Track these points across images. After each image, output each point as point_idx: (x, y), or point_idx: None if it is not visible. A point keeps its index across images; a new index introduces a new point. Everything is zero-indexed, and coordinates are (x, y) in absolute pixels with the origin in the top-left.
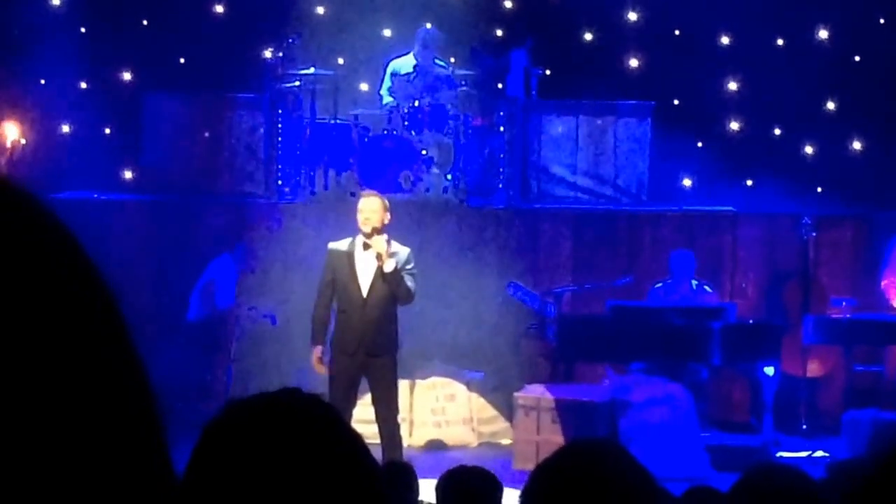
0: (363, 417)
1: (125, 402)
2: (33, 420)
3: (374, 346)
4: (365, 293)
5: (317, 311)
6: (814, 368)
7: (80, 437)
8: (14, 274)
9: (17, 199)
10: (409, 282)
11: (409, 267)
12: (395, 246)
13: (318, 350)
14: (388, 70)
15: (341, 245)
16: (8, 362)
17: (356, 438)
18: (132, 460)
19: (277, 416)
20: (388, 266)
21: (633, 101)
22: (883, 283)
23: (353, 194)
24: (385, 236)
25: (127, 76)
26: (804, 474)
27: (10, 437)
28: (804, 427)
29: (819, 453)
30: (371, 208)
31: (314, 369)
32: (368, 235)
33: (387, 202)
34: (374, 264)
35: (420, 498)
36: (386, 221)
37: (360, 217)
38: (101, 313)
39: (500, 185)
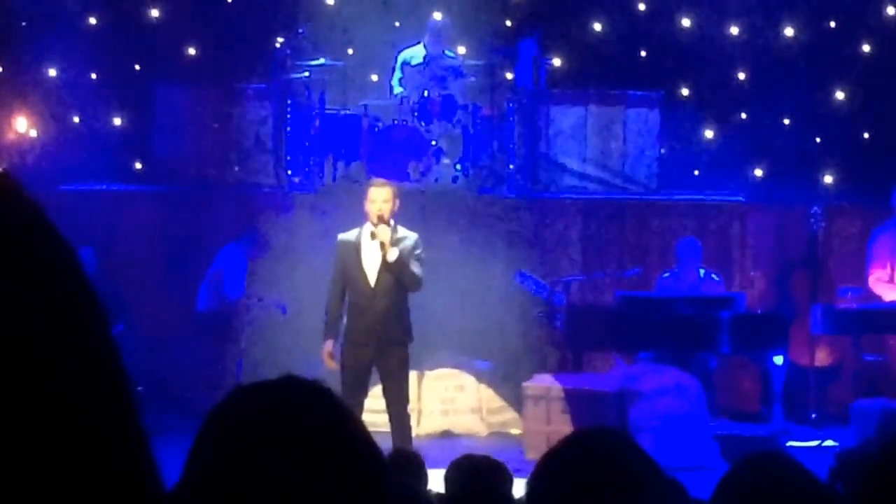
0: (373, 407)
1: (91, 392)
2: None
3: (386, 336)
4: (373, 283)
5: (330, 304)
6: (823, 358)
7: (40, 431)
8: None
9: None
10: (416, 268)
11: (416, 252)
12: (403, 231)
13: (328, 345)
14: (399, 60)
15: (349, 236)
16: None
17: (357, 423)
18: (98, 454)
19: (278, 401)
20: (391, 255)
21: (643, 91)
22: (870, 279)
23: (357, 182)
24: (391, 224)
25: (137, 67)
26: (798, 463)
27: None
28: (813, 416)
29: (828, 442)
30: (383, 198)
31: (325, 364)
32: (376, 225)
33: (396, 189)
34: (381, 253)
35: (429, 487)
36: (395, 209)
37: (373, 207)
38: (70, 306)
39: (510, 175)
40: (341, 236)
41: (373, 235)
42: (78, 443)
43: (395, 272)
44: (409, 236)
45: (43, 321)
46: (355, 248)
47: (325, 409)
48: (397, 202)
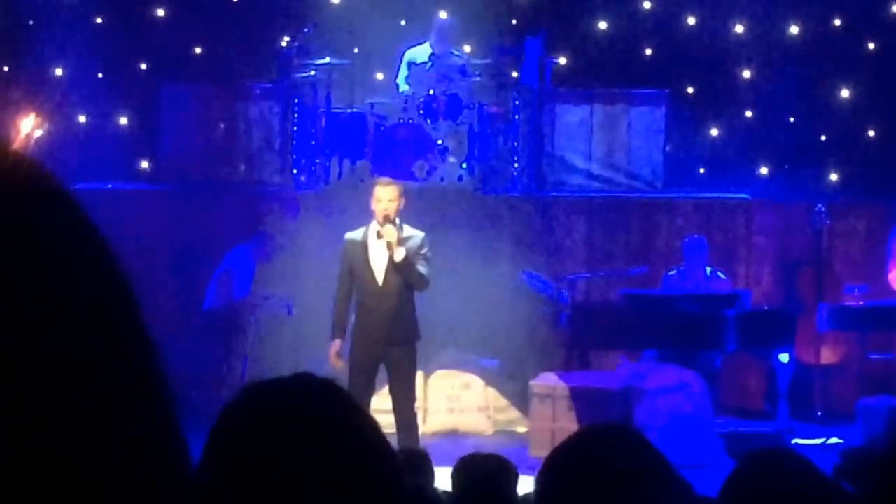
0: (380, 406)
1: (140, 385)
2: (47, 406)
3: (394, 335)
4: (380, 282)
5: (337, 304)
6: (828, 356)
7: (93, 421)
8: (29, 257)
9: (35, 183)
10: (423, 267)
11: (423, 251)
12: (409, 230)
13: (336, 344)
14: (405, 59)
15: (356, 235)
16: (24, 345)
17: (369, 421)
18: (146, 444)
19: (292, 399)
20: (399, 255)
21: (648, 90)
22: (890, 275)
23: (362, 181)
24: (397, 223)
25: (143, 66)
26: (805, 459)
27: (25, 423)
28: (819, 414)
29: (833, 440)
30: (389, 197)
31: (331, 363)
32: (382, 224)
33: (402, 188)
34: (388, 252)
35: (435, 485)
36: (401, 208)
37: (379, 206)
38: (115, 298)
39: (515, 174)
40: (348, 235)
41: (379, 235)
42: (114, 431)
43: (402, 271)
44: (416, 235)
45: (79, 309)
46: (362, 246)
47: (338, 406)
48: (403, 201)
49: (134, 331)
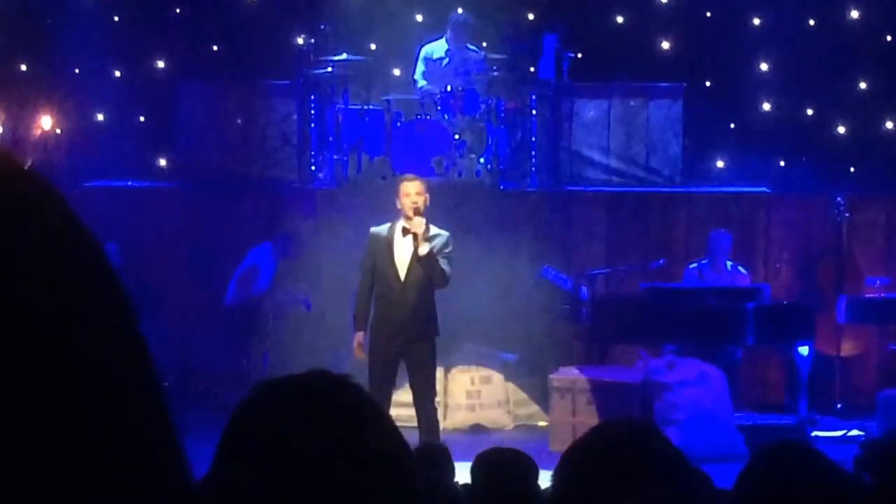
0: (400, 400)
1: (132, 391)
2: (28, 411)
3: (414, 331)
4: (403, 277)
5: (359, 297)
6: (848, 348)
7: (80, 428)
8: (17, 259)
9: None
10: (445, 265)
11: (446, 251)
12: (435, 229)
13: (359, 336)
14: (421, 55)
15: (381, 230)
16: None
17: (384, 417)
18: (138, 450)
19: (305, 395)
20: (423, 249)
21: (665, 83)
22: None
23: (383, 178)
24: (424, 220)
25: (161, 64)
26: (818, 451)
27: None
28: (839, 406)
29: (854, 432)
30: (417, 191)
31: (355, 355)
32: (411, 218)
33: (426, 182)
34: (412, 249)
35: (456, 480)
36: (427, 202)
37: (407, 200)
38: (104, 301)
39: (533, 169)
40: (373, 230)
41: (405, 231)
42: (109, 440)
43: (426, 266)
44: (441, 234)
45: (70, 318)
46: (387, 242)
47: (352, 403)
48: (428, 196)
49: (125, 334)
